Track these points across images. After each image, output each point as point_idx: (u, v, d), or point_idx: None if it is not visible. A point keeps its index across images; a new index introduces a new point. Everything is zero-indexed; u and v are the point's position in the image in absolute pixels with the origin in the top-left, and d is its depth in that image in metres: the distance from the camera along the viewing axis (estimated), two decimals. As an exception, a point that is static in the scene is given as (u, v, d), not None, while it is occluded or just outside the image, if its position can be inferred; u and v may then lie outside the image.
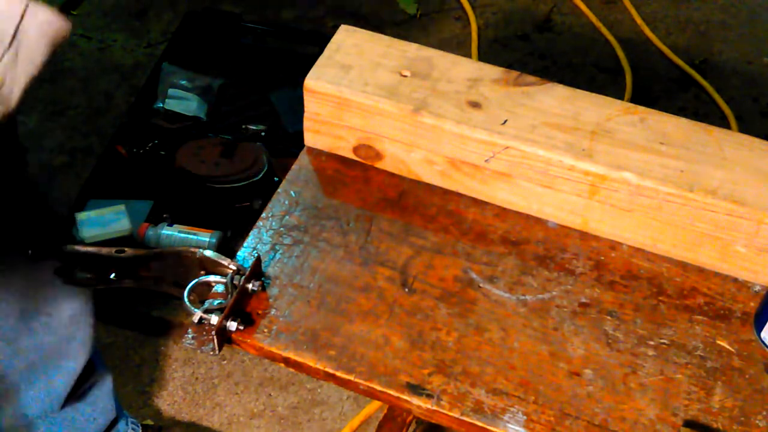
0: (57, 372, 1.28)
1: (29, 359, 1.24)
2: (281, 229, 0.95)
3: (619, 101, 0.98)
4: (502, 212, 0.98)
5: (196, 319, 0.82)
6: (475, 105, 0.96)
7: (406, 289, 0.90)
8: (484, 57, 2.49)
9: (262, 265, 0.91)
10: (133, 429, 1.53)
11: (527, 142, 0.93)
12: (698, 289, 0.92)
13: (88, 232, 1.81)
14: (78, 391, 1.34)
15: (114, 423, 1.46)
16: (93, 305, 1.28)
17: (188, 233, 1.84)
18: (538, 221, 0.98)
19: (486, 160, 0.95)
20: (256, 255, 0.89)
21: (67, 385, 1.31)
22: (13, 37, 0.77)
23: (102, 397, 1.40)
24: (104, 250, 0.90)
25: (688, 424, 0.80)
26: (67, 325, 1.25)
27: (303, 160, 1.03)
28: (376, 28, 1.03)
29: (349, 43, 1.02)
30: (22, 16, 0.77)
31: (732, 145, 0.94)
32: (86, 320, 1.28)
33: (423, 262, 0.93)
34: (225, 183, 1.94)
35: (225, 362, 1.81)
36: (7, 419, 1.27)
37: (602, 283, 0.92)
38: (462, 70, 1.00)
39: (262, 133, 2.14)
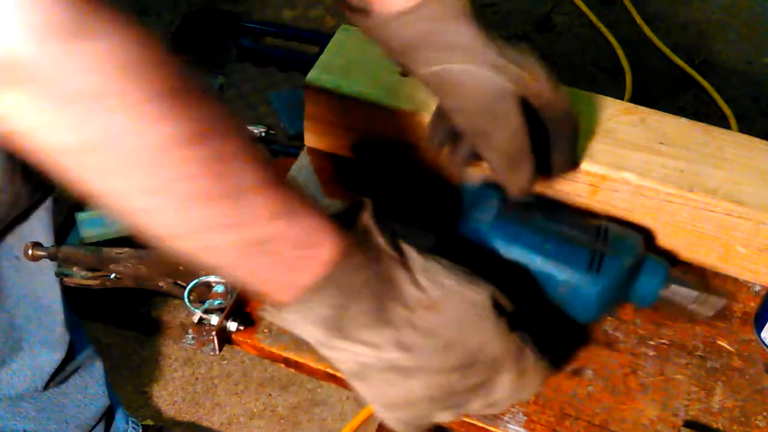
0: (38, 341, 1.25)
1: (8, 312, 1.19)
2: (281, 229, 0.95)
3: (619, 101, 0.98)
4: (502, 212, 0.98)
5: (196, 319, 0.82)
6: (475, 105, 0.96)
7: (406, 289, 0.90)
8: (484, 57, 2.49)
9: (262, 265, 0.91)
10: (133, 429, 1.53)
11: (527, 142, 0.93)
12: (698, 289, 0.92)
13: (88, 232, 1.81)
14: (63, 371, 1.31)
15: (111, 413, 1.45)
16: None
17: (188, 233, 1.84)
18: (538, 221, 0.98)
19: (486, 160, 0.95)
20: (256, 255, 0.89)
21: (52, 360, 1.27)
22: None
23: (92, 383, 1.38)
24: (104, 250, 0.90)
25: (688, 424, 0.80)
26: (34, 273, 1.20)
27: (303, 160, 1.03)
28: (376, 28, 1.03)
29: (349, 43, 1.02)
30: None
31: (732, 145, 0.94)
32: (56, 286, 1.24)
33: (423, 262, 0.92)
34: (225, 183, 1.94)
35: (225, 362, 1.81)
36: None
37: (602, 283, 0.92)
38: (462, 70, 0.99)
39: (262, 134, 2.14)
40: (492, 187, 0.86)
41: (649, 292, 0.85)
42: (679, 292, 0.84)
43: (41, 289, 1.22)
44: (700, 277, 0.90)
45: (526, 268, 0.83)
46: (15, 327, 1.21)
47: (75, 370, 1.34)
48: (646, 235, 0.91)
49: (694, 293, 0.84)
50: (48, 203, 1.17)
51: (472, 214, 0.85)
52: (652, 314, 0.89)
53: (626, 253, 0.83)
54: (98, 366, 1.39)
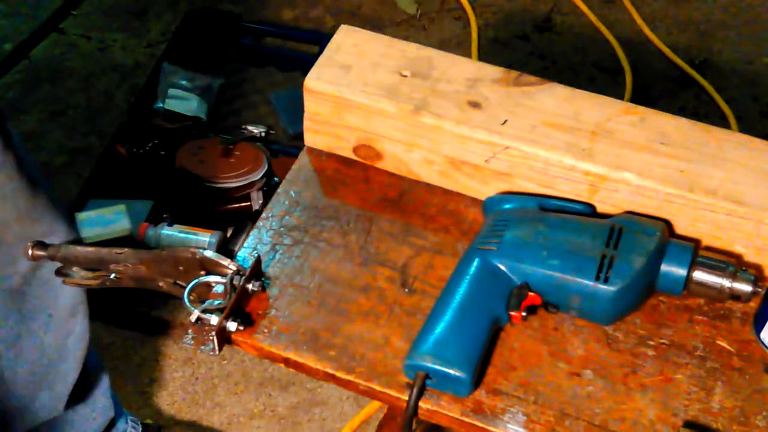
0: (57, 376, 1.28)
1: (32, 363, 1.24)
2: (281, 229, 0.95)
3: (619, 101, 0.98)
4: (502, 212, 0.98)
5: (195, 319, 0.82)
6: (475, 105, 0.96)
7: (406, 289, 0.90)
8: (484, 57, 2.49)
9: (262, 265, 0.91)
10: (133, 428, 1.53)
11: (527, 142, 0.93)
12: (698, 289, 0.92)
13: (88, 232, 1.81)
14: (78, 392, 1.33)
15: (113, 422, 1.46)
16: (86, 298, 1.27)
17: (188, 233, 1.84)
18: (538, 221, 0.98)
19: (486, 160, 0.95)
20: (256, 255, 0.89)
21: (68, 386, 1.30)
22: None
23: (99, 396, 1.40)
24: (104, 250, 0.90)
25: (687, 424, 0.80)
26: (65, 320, 1.24)
27: (303, 160, 1.03)
28: (376, 28, 1.03)
29: (349, 43, 1.02)
30: None
31: (732, 145, 0.94)
32: (83, 312, 1.27)
33: (423, 262, 0.93)
34: (225, 183, 1.95)
35: (225, 362, 1.81)
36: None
37: (602, 283, 0.92)
38: (462, 70, 1.00)
39: (262, 133, 2.14)
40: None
41: (676, 279, 0.85)
42: (711, 273, 0.84)
43: (71, 341, 1.26)
44: (730, 255, 0.89)
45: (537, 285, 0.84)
46: (36, 369, 1.24)
47: (88, 388, 1.36)
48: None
49: (728, 270, 0.84)
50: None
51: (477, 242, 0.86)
52: (653, 314, 0.89)
53: (638, 251, 0.83)
54: (105, 379, 1.41)
